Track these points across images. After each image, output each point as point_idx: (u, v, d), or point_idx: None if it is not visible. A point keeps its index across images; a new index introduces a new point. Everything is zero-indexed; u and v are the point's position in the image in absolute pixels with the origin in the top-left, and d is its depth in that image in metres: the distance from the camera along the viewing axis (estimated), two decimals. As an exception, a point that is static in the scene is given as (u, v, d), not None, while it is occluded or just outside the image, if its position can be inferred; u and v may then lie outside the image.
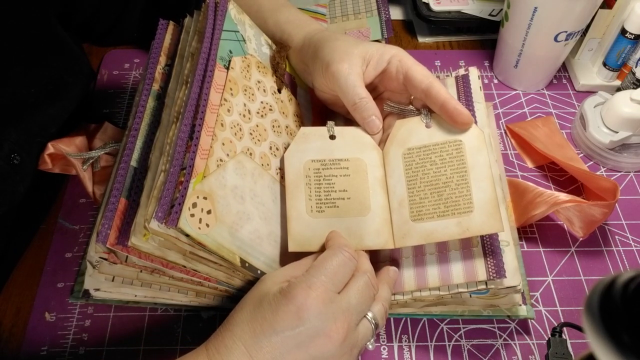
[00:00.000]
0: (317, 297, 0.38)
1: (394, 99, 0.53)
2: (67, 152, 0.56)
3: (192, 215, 0.39)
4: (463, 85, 0.53)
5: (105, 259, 0.43)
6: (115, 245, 0.40)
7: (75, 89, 0.58)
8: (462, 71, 0.55)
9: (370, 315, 0.42)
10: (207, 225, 0.40)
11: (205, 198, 0.40)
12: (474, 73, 0.54)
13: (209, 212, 0.40)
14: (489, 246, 0.44)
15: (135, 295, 0.48)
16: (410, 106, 0.52)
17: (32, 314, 0.52)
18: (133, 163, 0.44)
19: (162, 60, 0.51)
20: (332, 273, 0.40)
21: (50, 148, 0.55)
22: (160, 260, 0.42)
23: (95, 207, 0.59)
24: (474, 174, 0.45)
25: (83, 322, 0.51)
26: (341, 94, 0.50)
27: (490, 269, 0.43)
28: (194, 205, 0.39)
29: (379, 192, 0.48)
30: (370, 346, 0.43)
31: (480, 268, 0.44)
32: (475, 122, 0.49)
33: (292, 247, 0.45)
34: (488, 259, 0.44)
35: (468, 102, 0.52)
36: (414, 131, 0.49)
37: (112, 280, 0.46)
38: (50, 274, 0.54)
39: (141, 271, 0.45)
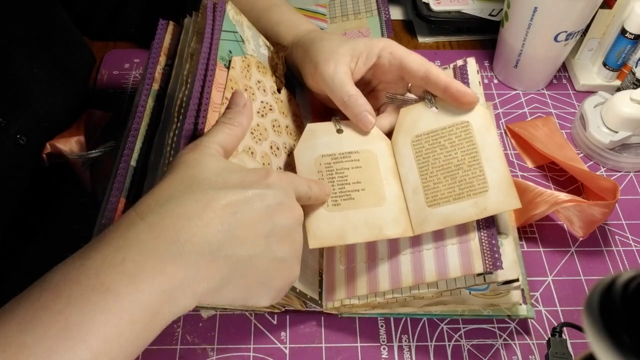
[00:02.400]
0: (282, 178, 0.38)
1: (390, 90, 0.53)
2: (66, 151, 0.56)
3: None
4: (461, 76, 0.53)
5: (105, 259, 0.43)
6: (114, 244, 0.40)
7: (79, 74, 0.59)
8: (460, 62, 0.55)
9: None
10: None
11: None
12: (472, 64, 0.54)
13: None
14: (485, 238, 0.44)
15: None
16: (410, 94, 0.52)
17: (32, 313, 0.52)
18: (133, 163, 0.45)
19: (162, 60, 0.51)
20: (295, 178, 0.40)
21: (48, 148, 0.55)
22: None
23: (95, 206, 0.59)
24: (485, 153, 0.45)
25: (83, 322, 0.51)
26: (330, 94, 0.50)
27: (487, 261, 0.43)
28: None
29: (392, 182, 0.48)
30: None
31: (477, 260, 0.43)
32: None
33: (312, 244, 0.44)
34: (484, 251, 0.43)
35: None
36: (420, 117, 0.49)
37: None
38: (50, 274, 0.54)
39: (141, 271, 0.45)
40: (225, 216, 0.32)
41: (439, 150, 0.47)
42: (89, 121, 0.60)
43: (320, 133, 0.50)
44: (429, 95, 0.50)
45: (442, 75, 0.47)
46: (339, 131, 0.50)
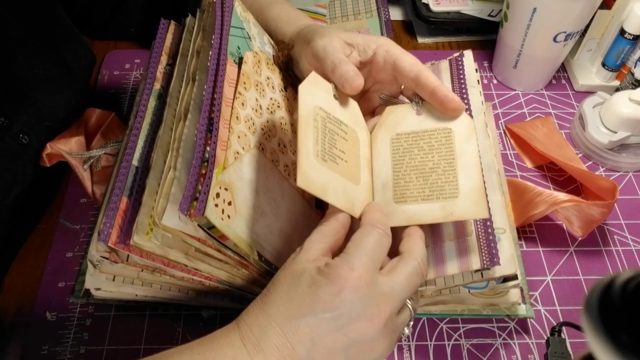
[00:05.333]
0: (360, 279, 0.36)
1: (384, 91, 0.53)
2: (66, 152, 0.56)
3: (216, 206, 0.38)
4: (457, 68, 0.53)
5: (107, 258, 0.43)
6: (116, 244, 0.40)
7: (80, 73, 0.60)
8: (456, 54, 0.54)
9: (409, 302, 0.40)
10: (229, 216, 0.39)
11: (226, 189, 0.40)
12: (468, 56, 0.54)
13: (229, 203, 0.40)
14: (482, 234, 0.44)
15: (136, 295, 0.48)
16: (403, 97, 0.52)
17: (33, 313, 0.52)
18: (134, 162, 0.45)
19: (164, 59, 0.51)
20: (371, 252, 0.38)
21: (48, 148, 0.55)
22: (162, 259, 0.42)
23: (95, 206, 0.59)
24: (462, 161, 0.45)
25: (84, 321, 0.51)
26: (321, 63, 0.49)
27: (484, 257, 0.43)
28: (217, 195, 0.39)
29: (366, 172, 0.47)
30: (406, 330, 0.41)
31: (474, 257, 0.43)
32: (469, 107, 0.49)
33: (300, 182, 0.42)
34: (482, 247, 0.43)
35: (461, 86, 0.52)
36: (404, 118, 0.49)
37: (113, 280, 0.46)
38: (51, 274, 0.54)
39: (142, 270, 0.45)
40: (300, 348, 0.35)
41: (416, 151, 0.47)
42: (89, 121, 0.61)
43: (321, 86, 0.48)
44: (417, 98, 0.50)
45: (433, 78, 0.47)
46: (335, 97, 0.48)
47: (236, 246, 0.40)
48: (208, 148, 0.40)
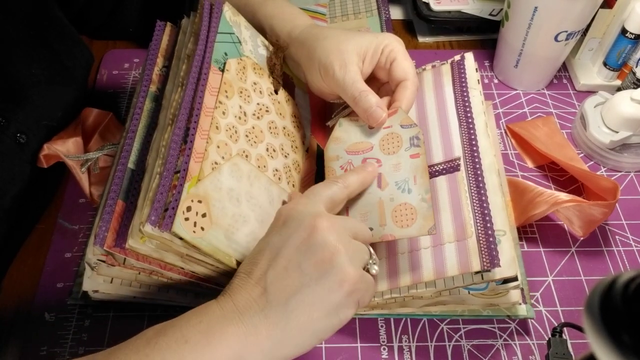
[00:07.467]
0: (300, 204, 0.41)
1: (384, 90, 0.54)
2: (63, 153, 0.56)
3: (187, 219, 0.39)
4: (458, 71, 0.53)
5: (104, 261, 0.43)
6: (112, 247, 0.40)
7: (77, 73, 0.60)
8: (457, 57, 0.54)
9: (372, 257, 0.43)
10: (202, 228, 0.40)
11: (199, 201, 0.40)
12: (469, 59, 0.53)
13: (203, 215, 0.40)
14: (482, 236, 0.44)
15: (135, 297, 0.48)
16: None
17: (31, 314, 0.52)
18: (130, 165, 0.44)
19: (160, 61, 0.51)
20: (319, 196, 0.43)
21: (46, 149, 0.55)
22: (158, 262, 0.42)
23: (94, 207, 0.59)
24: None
25: (82, 322, 0.51)
26: (341, 93, 0.50)
27: (484, 259, 0.42)
28: (189, 209, 0.39)
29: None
30: (373, 270, 0.42)
31: (474, 258, 0.43)
32: (470, 109, 0.50)
33: None
34: (482, 249, 0.43)
35: (462, 90, 0.52)
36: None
37: (111, 282, 0.46)
38: (49, 274, 0.54)
39: (139, 273, 0.45)
40: (257, 271, 0.38)
41: None
42: (86, 121, 0.60)
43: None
44: None
45: (409, 98, 0.50)
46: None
47: (211, 257, 0.41)
48: (181, 159, 0.40)
